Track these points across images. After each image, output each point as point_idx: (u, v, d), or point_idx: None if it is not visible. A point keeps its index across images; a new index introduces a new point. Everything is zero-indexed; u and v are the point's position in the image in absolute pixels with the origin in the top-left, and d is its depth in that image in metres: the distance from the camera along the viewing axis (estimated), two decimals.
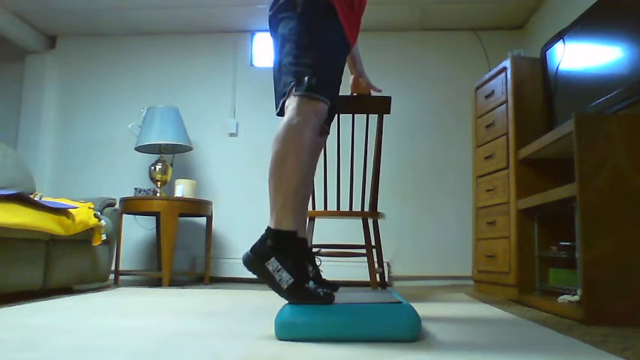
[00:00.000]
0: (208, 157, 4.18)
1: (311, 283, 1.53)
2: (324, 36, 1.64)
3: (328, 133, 1.93)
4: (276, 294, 1.47)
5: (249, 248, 1.50)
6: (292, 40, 1.62)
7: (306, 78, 1.56)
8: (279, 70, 1.70)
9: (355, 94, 2.35)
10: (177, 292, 2.95)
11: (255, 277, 1.53)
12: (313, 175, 1.85)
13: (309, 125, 1.55)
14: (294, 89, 1.58)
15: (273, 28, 1.75)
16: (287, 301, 1.49)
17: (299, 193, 1.54)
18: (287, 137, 1.53)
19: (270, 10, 1.74)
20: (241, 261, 1.51)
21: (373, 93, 2.35)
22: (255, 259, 1.48)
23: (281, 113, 1.66)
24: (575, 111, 2.07)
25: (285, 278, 1.45)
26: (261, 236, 1.51)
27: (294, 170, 1.52)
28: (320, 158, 2.18)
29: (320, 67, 1.60)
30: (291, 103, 1.58)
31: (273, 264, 1.46)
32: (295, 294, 1.45)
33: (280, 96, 1.67)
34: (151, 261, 4.09)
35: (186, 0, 3.80)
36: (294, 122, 1.54)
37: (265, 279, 1.47)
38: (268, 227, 1.52)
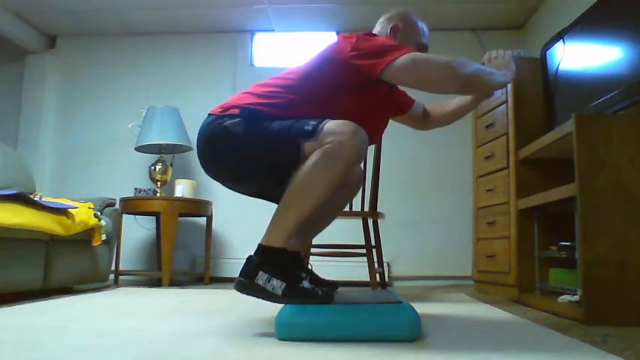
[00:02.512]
0: None
1: (306, 283, 1.53)
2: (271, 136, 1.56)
3: None
4: (278, 303, 1.48)
5: (239, 274, 1.50)
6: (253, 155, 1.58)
7: (306, 127, 1.51)
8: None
9: None
10: (177, 292, 2.95)
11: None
12: (340, 204, 1.87)
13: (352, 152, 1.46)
14: (306, 140, 1.48)
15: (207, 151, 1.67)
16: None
17: (306, 219, 1.51)
18: (321, 167, 1.46)
19: (203, 135, 1.65)
20: (236, 282, 1.50)
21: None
22: (246, 280, 1.48)
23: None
24: (575, 111, 2.07)
25: (277, 285, 1.45)
26: (248, 257, 1.51)
27: (311, 202, 1.47)
28: None
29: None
30: (316, 144, 1.48)
31: (262, 277, 1.46)
32: (292, 295, 1.46)
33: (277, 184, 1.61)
34: (151, 261, 4.09)
35: (186, 0, 3.80)
36: (336, 147, 1.45)
37: (260, 295, 1.47)
38: (259, 244, 1.51)
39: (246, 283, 1.48)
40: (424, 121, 2.06)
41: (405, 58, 1.49)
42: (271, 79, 1.66)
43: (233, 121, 1.55)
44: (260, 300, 1.49)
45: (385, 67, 1.49)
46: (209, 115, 1.65)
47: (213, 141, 1.58)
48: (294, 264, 1.58)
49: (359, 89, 1.60)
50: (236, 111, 1.57)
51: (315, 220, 1.76)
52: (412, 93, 2.03)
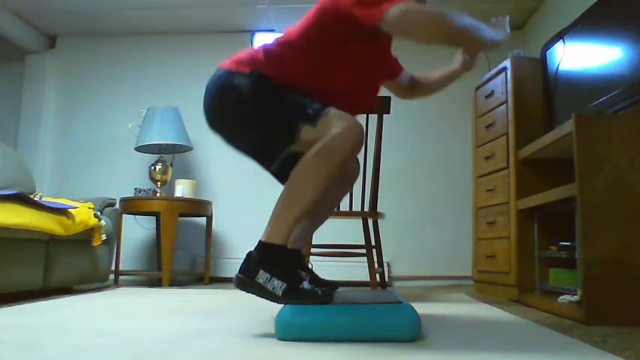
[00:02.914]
0: (208, 157, 4.18)
1: (305, 284, 1.53)
2: (281, 102, 1.59)
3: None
4: (278, 303, 1.48)
5: (238, 270, 1.50)
6: (259, 120, 1.60)
7: (307, 113, 1.52)
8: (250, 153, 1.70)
9: None
10: (177, 292, 2.95)
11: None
12: (335, 197, 1.87)
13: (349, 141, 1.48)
14: (304, 125, 1.51)
15: (216, 105, 1.72)
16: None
17: (305, 213, 1.52)
18: (319, 160, 1.47)
19: (211, 88, 1.72)
20: (235, 279, 1.50)
21: None
22: (245, 278, 1.48)
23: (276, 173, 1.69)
24: (575, 111, 2.07)
25: (278, 285, 1.45)
26: (248, 253, 1.51)
27: (309, 196, 1.48)
28: None
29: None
30: (316, 133, 1.49)
31: (262, 276, 1.46)
32: (292, 296, 1.46)
33: (270, 159, 1.65)
34: (151, 261, 4.09)
35: (186, 0, 3.80)
36: (333, 139, 1.47)
37: (260, 293, 1.47)
38: (259, 241, 1.51)
39: (246, 281, 1.47)
40: (411, 89, 2.09)
41: (399, 5, 1.48)
42: (278, 38, 1.67)
43: (242, 81, 1.58)
44: (260, 299, 1.48)
45: (382, 15, 1.46)
46: (219, 69, 1.68)
47: (221, 95, 1.62)
48: (294, 263, 1.58)
49: (359, 43, 1.60)
50: (246, 70, 1.60)
51: (314, 216, 1.76)
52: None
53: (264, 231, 1.51)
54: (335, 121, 1.47)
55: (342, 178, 1.82)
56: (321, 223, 1.88)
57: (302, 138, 1.51)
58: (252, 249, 1.51)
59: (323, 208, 1.81)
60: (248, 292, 1.48)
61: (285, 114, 1.53)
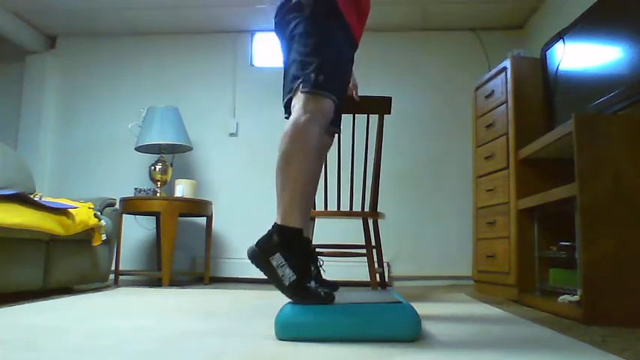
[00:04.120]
0: (208, 157, 4.18)
1: (312, 283, 1.53)
2: (331, 36, 1.66)
3: (337, 133, 1.93)
4: (278, 291, 1.48)
5: (255, 242, 1.50)
6: (300, 42, 1.65)
7: (312, 75, 1.58)
8: (288, 69, 1.72)
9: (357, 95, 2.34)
10: (177, 292, 2.95)
11: (255, 276, 1.54)
12: (319, 174, 1.86)
13: (316, 123, 1.56)
14: (301, 86, 1.59)
15: (280, 29, 1.77)
16: (287, 299, 1.49)
17: (305, 191, 1.55)
18: (294, 135, 1.54)
19: (277, 12, 1.76)
20: (246, 255, 1.51)
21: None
22: (261, 253, 1.48)
23: (287, 111, 1.68)
24: (575, 111, 2.07)
25: (288, 275, 1.45)
26: (268, 231, 1.51)
27: (301, 168, 1.53)
28: None
29: (327, 65, 1.61)
30: (298, 102, 1.59)
31: (277, 259, 1.46)
32: (297, 292, 1.46)
33: (287, 92, 1.68)
34: (151, 261, 4.09)
35: (186, 0, 3.80)
36: (300, 120, 1.55)
37: (269, 274, 1.48)
38: (275, 223, 1.52)
39: (261, 258, 1.48)
40: None
41: None
42: None
43: None
44: (260, 290, 1.49)
45: None
46: None
47: (291, 7, 1.70)
48: (308, 255, 1.58)
49: None
50: None
51: (312, 187, 1.77)
52: None
53: (278, 213, 1.52)
54: (313, 103, 1.56)
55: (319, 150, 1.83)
56: (312, 201, 1.88)
57: (294, 100, 1.60)
58: (271, 227, 1.51)
59: (315, 182, 1.82)
60: (258, 267, 1.49)
61: (307, 61, 1.62)
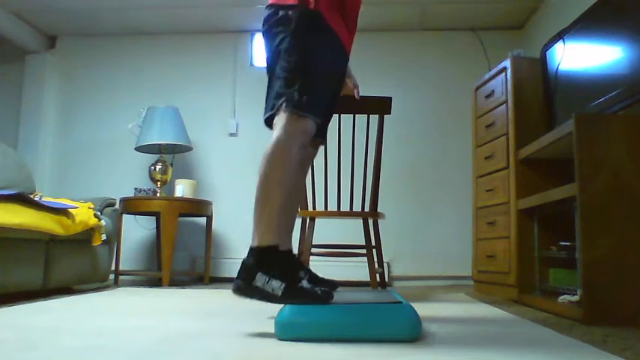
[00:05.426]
0: (208, 157, 4.18)
1: (305, 283, 1.53)
2: (318, 52, 1.66)
3: (322, 145, 1.93)
4: (278, 303, 1.48)
5: (235, 277, 1.50)
6: (285, 58, 1.64)
7: (296, 95, 1.58)
8: (272, 82, 1.72)
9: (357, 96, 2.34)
10: (177, 292, 2.95)
11: None
12: (303, 185, 1.88)
13: (295, 144, 1.58)
14: (283, 105, 1.59)
15: (267, 40, 1.75)
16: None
17: (285, 209, 1.55)
18: (273, 157, 1.55)
19: (264, 22, 1.75)
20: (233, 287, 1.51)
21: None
22: (242, 282, 1.48)
23: (268, 123, 1.68)
24: (575, 111, 2.07)
25: (277, 286, 1.45)
26: (243, 260, 1.51)
27: (279, 190, 1.54)
28: (320, 159, 2.19)
29: (311, 85, 1.62)
30: (280, 121, 1.59)
31: (260, 279, 1.46)
32: (292, 295, 1.45)
33: (269, 108, 1.68)
34: (151, 261, 4.09)
35: (186, 0, 3.80)
36: (280, 141, 1.56)
37: (260, 296, 1.47)
38: (250, 248, 1.52)
39: (245, 286, 1.47)
40: None
41: None
42: None
43: (291, 12, 1.66)
44: (260, 302, 1.48)
45: None
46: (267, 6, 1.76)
47: (277, 20, 1.69)
48: (291, 262, 1.58)
49: None
50: (294, 0, 1.67)
51: (293, 205, 1.76)
52: None
53: (253, 237, 1.52)
54: (292, 122, 1.57)
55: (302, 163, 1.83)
56: (296, 213, 1.88)
57: (276, 118, 1.61)
58: (245, 256, 1.51)
59: (296, 198, 1.82)
60: (247, 297, 1.48)
61: (295, 76, 1.62)
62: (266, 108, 1.71)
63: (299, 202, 1.82)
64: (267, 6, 1.75)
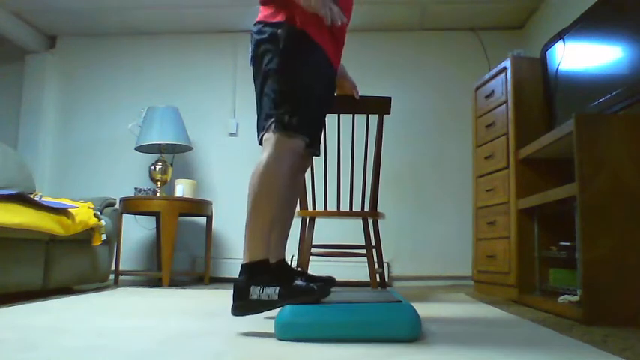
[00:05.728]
0: (208, 157, 4.18)
1: (299, 281, 1.55)
2: (306, 71, 1.67)
3: (316, 156, 1.94)
4: (279, 307, 1.49)
5: (232, 299, 1.53)
6: (274, 78, 1.65)
7: (286, 117, 1.61)
8: (259, 100, 1.73)
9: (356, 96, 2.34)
10: (177, 292, 2.95)
11: None
12: (295, 199, 1.94)
13: (285, 163, 1.60)
14: (272, 126, 1.62)
15: (254, 65, 1.75)
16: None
17: (276, 224, 1.61)
18: (262, 177, 1.58)
19: (253, 39, 1.74)
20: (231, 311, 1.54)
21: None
22: (239, 300, 1.52)
23: (261, 143, 1.70)
24: (575, 111, 2.07)
25: (272, 291, 1.48)
26: (234, 282, 1.55)
27: (268, 208, 1.58)
28: (320, 159, 2.20)
29: (301, 105, 1.64)
30: (269, 140, 1.62)
31: (254, 292, 1.49)
32: (288, 294, 1.47)
33: (260, 129, 1.70)
34: (151, 261, 4.09)
35: (186, 0, 3.80)
36: (270, 161, 1.59)
37: (258, 308, 1.50)
38: (241, 265, 1.56)
39: (242, 304, 1.51)
40: None
41: None
42: None
43: (279, 30, 1.67)
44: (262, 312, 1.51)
45: None
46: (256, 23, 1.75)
47: (265, 39, 1.69)
48: (283, 269, 1.61)
49: None
50: (281, 18, 1.68)
51: (283, 218, 1.81)
52: None
53: (244, 255, 1.56)
54: (282, 140, 1.60)
55: (294, 178, 1.85)
56: (291, 222, 1.92)
57: (265, 138, 1.64)
58: (237, 276, 1.55)
59: (289, 210, 1.88)
60: (248, 313, 1.51)
61: (285, 96, 1.64)
62: (258, 128, 1.73)
63: (292, 212, 1.86)
64: (255, 23, 1.75)
